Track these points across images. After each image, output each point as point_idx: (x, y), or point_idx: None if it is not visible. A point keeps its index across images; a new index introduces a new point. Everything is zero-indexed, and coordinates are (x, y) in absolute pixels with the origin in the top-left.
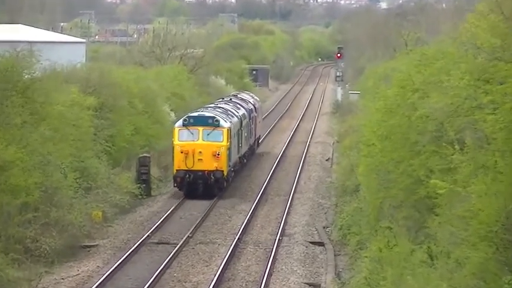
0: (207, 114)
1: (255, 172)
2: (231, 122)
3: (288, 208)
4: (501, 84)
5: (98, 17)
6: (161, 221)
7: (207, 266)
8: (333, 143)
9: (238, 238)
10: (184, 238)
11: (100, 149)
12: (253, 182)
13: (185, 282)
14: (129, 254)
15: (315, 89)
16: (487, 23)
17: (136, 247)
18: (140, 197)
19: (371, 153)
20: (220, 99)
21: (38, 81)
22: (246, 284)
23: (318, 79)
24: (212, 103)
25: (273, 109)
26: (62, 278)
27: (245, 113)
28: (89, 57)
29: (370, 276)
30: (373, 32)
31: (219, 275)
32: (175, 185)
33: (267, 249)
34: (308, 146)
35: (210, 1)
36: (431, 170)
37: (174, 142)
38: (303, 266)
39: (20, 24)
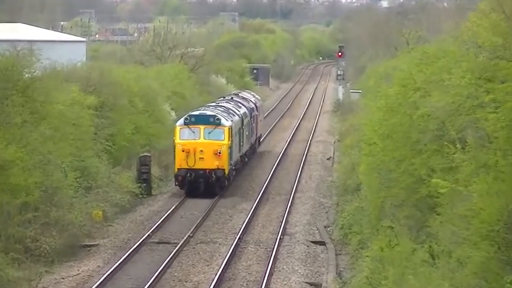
0: (208, 112)
1: (256, 171)
2: (232, 120)
3: (289, 207)
4: (502, 83)
5: (98, 15)
6: (162, 221)
7: (207, 265)
8: (334, 142)
9: (239, 237)
10: (185, 237)
11: (100, 148)
12: (254, 181)
13: (186, 281)
14: (130, 253)
15: (316, 88)
16: (488, 21)
17: (137, 247)
18: (141, 196)
19: (372, 152)
20: (222, 98)
21: (38, 80)
22: (246, 284)
23: (319, 78)
24: (213, 102)
25: (274, 108)
26: (62, 278)
27: (246, 111)
28: (89, 56)
29: (371, 276)
30: (374, 31)
31: (219, 275)
32: (176, 183)
33: (268, 249)
34: (309, 145)
35: (211, 0)
36: (433, 169)
37: (175, 141)
38: (304, 266)
39: (20, 23)
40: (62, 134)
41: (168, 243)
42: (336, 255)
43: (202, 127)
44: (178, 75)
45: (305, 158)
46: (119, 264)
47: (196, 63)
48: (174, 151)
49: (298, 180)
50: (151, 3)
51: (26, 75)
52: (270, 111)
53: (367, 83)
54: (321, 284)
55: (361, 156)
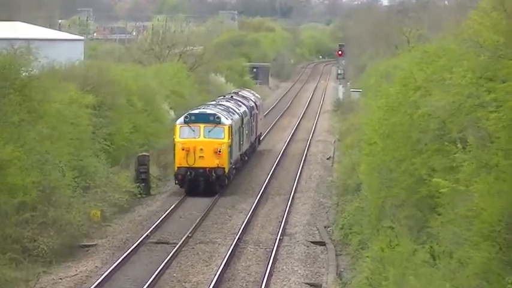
0: (208, 111)
1: (256, 170)
2: (232, 119)
3: (289, 207)
4: (504, 82)
5: (96, 14)
6: (160, 221)
7: (206, 266)
8: (334, 142)
9: (239, 238)
10: (183, 238)
11: (98, 147)
12: (253, 180)
13: (185, 282)
14: (128, 253)
15: (316, 87)
16: (489, 20)
17: (135, 247)
18: (139, 196)
19: (372, 152)
20: (222, 97)
21: (36, 79)
22: (246, 284)
23: (319, 77)
24: (213, 100)
25: (274, 107)
26: (60, 278)
27: (246, 110)
28: (87, 55)
29: (371, 276)
30: (375, 29)
31: (219, 275)
32: (176, 182)
33: (268, 249)
34: (309, 145)
35: None
36: (434, 169)
37: (175, 139)
38: (304, 266)
39: (17, 22)
40: (60, 133)
41: (167, 243)
42: (336, 255)
43: (202, 125)
44: (177, 74)
45: (305, 158)
46: (117, 264)
47: (196, 62)
48: (174, 150)
49: (298, 180)
50: (149, 1)
51: (24, 74)
52: (270, 110)
53: (367, 82)
54: (321, 285)
55: (361, 156)
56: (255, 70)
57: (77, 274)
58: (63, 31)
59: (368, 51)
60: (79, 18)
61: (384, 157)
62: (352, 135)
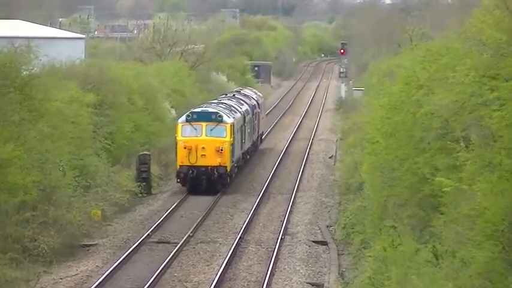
0: (210, 109)
1: (257, 169)
2: (234, 117)
3: (291, 206)
4: (507, 81)
5: (97, 12)
6: (161, 220)
7: (208, 265)
8: (336, 140)
9: (240, 237)
10: (185, 237)
11: (99, 146)
12: (255, 179)
13: (186, 282)
14: (129, 253)
15: (318, 86)
16: (492, 18)
17: (136, 246)
18: (140, 195)
19: (375, 151)
20: (224, 95)
21: (37, 77)
22: (247, 284)
23: (321, 75)
24: (215, 99)
25: (276, 106)
26: (61, 278)
27: (248, 108)
28: (88, 53)
29: (374, 276)
30: (377, 28)
31: (220, 275)
32: (178, 180)
33: (269, 249)
34: (311, 143)
35: None
36: (437, 168)
37: (177, 138)
38: (305, 266)
39: (18, 20)
40: (61, 132)
41: (168, 242)
42: (338, 255)
43: (204, 124)
44: (179, 72)
45: (307, 157)
46: (118, 264)
47: (197, 61)
48: (176, 148)
49: (300, 179)
50: None
51: (24, 73)
52: (272, 109)
53: (370, 80)
54: (323, 285)
55: (363, 155)
56: (256, 69)
57: (78, 274)
58: (63, 29)
59: (370, 49)
60: (80, 16)
61: (387, 156)
62: (355, 134)
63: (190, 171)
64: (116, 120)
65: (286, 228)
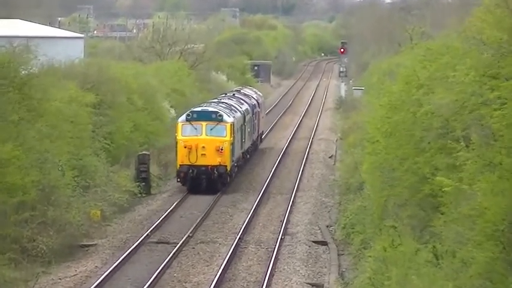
0: (210, 109)
1: (257, 169)
2: (234, 117)
3: (291, 206)
4: (507, 80)
5: (96, 11)
6: (161, 220)
7: (207, 266)
8: (336, 140)
9: (240, 237)
10: (184, 237)
11: (98, 146)
12: (255, 179)
13: (185, 282)
14: (128, 253)
15: (318, 85)
16: (493, 17)
17: (136, 247)
18: (139, 195)
19: (375, 151)
20: (223, 95)
21: (35, 77)
22: (247, 285)
23: (321, 75)
24: (215, 98)
25: (276, 105)
26: (60, 279)
27: (248, 108)
28: (87, 53)
29: (374, 276)
30: (378, 27)
31: (219, 275)
32: (178, 180)
33: (269, 249)
34: (311, 143)
35: None
36: (437, 168)
37: (177, 137)
38: (305, 266)
39: (17, 19)
40: (60, 132)
41: (167, 243)
42: (338, 255)
43: (204, 123)
44: (178, 72)
45: (307, 156)
46: (117, 264)
47: (197, 60)
48: (176, 147)
49: (300, 179)
50: None
51: (23, 72)
52: (272, 109)
53: (370, 79)
54: (323, 285)
55: (363, 155)
56: (256, 68)
57: (77, 274)
58: (62, 29)
59: (370, 48)
60: (79, 15)
61: (387, 156)
62: (355, 134)
63: (191, 171)
64: (115, 120)
65: (286, 228)
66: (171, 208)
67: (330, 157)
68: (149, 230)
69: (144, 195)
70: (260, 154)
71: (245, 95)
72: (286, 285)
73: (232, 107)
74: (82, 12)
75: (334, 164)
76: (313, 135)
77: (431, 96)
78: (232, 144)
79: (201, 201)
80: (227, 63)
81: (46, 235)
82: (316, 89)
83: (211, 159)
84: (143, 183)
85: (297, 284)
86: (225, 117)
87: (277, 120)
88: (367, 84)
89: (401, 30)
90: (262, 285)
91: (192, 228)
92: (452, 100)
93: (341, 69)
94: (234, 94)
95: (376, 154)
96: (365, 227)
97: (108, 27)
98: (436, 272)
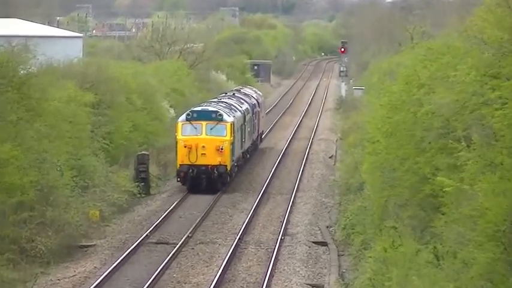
0: (210, 108)
1: (257, 169)
2: (234, 116)
3: (291, 207)
4: (508, 79)
5: (95, 10)
6: (160, 221)
7: (207, 266)
8: (337, 140)
9: (239, 238)
10: (183, 238)
11: (97, 146)
12: (254, 179)
13: (185, 283)
14: (127, 254)
15: (318, 85)
16: (494, 16)
17: (135, 247)
18: (138, 195)
19: (375, 151)
20: (223, 94)
21: (34, 76)
22: (247, 285)
23: (321, 74)
24: (215, 98)
25: (276, 105)
26: (58, 279)
27: (248, 107)
28: (86, 52)
29: (374, 277)
30: (378, 26)
31: (219, 276)
32: (178, 179)
33: (269, 249)
34: (311, 143)
35: None
36: (438, 168)
37: (177, 137)
38: (305, 267)
39: (16, 18)
40: (58, 131)
41: (167, 243)
42: (338, 256)
43: (204, 123)
44: (177, 71)
45: (307, 156)
46: (116, 265)
47: (196, 60)
48: (176, 147)
49: (300, 179)
50: None
51: (22, 72)
52: (272, 108)
53: (370, 79)
54: (323, 286)
55: (364, 155)
56: (256, 67)
57: (76, 275)
58: (61, 28)
59: (371, 48)
60: (78, 14)
61: (387, 156)
62: (355, 134)
63: (191, 170)
64: (114, 119)
65: (285, 228)
66: (170, 208)
67: (330, 157)
68: (148, 231)
69: (143, 195)
70: (260, 154)
71: (245, 94)
72: (286, 286)
73: (232, 107)
74: (81, 12)
75: (334, 164)
76: (313, 135)
77: (432, 96)
78: (232, 143)
79: (201, 202)
80: (227, 63)
81: (45, 235)
82: (316, 88)
83: (211, 158)
84: (142, 184)
85: (297, 284)
86: (225, 116)
87: (277, 120)
88: (368, 84)
89: (402, 30)
90: (262, 286)
91: (191, 229)
92: (453, 100)
93: (341, 69)
94: (234, 94)
95: (377, 154)
96: (365, 227)
97: (107, 26)
98: (437, 272)
